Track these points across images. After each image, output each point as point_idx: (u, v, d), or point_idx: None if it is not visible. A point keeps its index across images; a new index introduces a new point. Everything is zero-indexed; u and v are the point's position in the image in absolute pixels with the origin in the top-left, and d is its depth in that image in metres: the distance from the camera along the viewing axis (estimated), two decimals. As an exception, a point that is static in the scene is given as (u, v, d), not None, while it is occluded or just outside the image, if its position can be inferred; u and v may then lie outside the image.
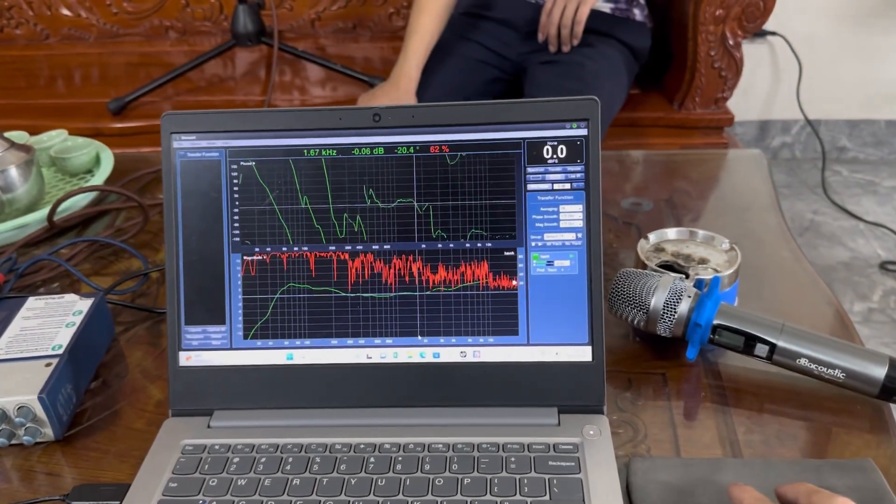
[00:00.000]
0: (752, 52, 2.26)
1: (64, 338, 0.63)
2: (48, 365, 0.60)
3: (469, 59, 1.48)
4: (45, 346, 0.62)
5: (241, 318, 0.58)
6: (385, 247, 0.58)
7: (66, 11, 2.02)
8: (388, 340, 0.58)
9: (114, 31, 2.04)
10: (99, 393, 0.65)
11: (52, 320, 0.66)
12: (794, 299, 0.73)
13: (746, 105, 2.37)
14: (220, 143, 0.58)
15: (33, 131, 1.08)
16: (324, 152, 0.58)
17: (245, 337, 0.58)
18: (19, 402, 0.57)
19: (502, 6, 1.51)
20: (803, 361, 0.58)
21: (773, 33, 2.29)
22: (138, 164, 1.04)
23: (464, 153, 0.57)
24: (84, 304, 0.68)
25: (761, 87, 2.42)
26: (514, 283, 0.57)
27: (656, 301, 0.61)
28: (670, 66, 1.74)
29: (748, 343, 0.60)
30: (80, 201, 0.92)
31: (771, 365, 0.60)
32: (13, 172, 0.88)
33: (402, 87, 1.37)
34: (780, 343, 0.59)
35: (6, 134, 0.96)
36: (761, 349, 0.59)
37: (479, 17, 1.52)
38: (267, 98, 1.68)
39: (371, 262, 0.58)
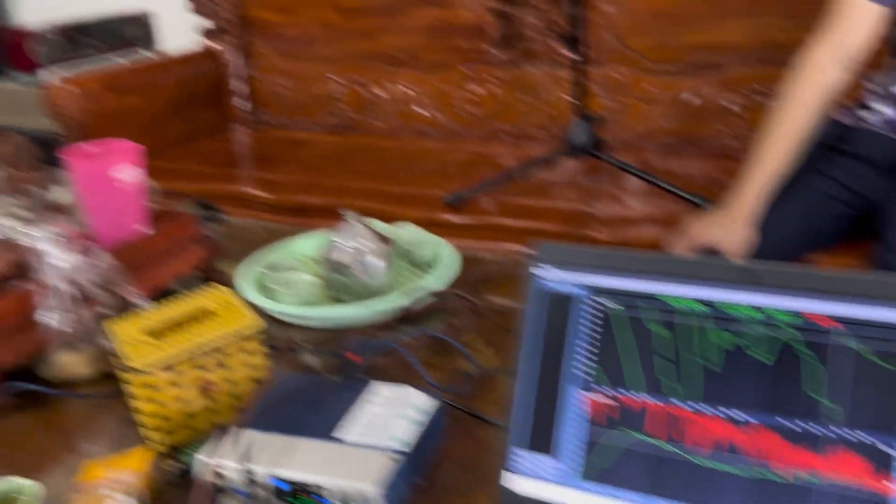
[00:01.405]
0: None
1: (407, 433, 0.67)
2: (393, 460, 0.63)
3: (821, 194, 1.37)
4: (388, 436, 0.67)
5: (576, 457, 0.58)
6: (750, 418, 0.53)
7: (419, 109, 2.28)
8: (733, 521, 0.53)
9: (455, 130, 2.25)
10: (421, 492, 0.67)
11: (395, 411, 0.70)
12: None
13: None
14: (580, 278, 0.59)
15: (378, 214, 1.19)
16: (689, 304, 0.56)
17: (578, 477, 0.57)
18: (363, 491, 0.61)
19: (862, 141, 1.39)
20: None
21: None
22: (474, 263, 1.11)
23: (861, 333, 0.51)
24: (424, 402, 0.72)
25: None
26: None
27: None
28: None
29: None
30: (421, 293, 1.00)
31: None
32: (376, 261, 0.99)
33: (739, 219, 1.30)
34: None
35: (364, 219, 1.08)
36: None
37: (835, 151, 1.41)
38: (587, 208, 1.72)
39: (732, 431, 0.54)
